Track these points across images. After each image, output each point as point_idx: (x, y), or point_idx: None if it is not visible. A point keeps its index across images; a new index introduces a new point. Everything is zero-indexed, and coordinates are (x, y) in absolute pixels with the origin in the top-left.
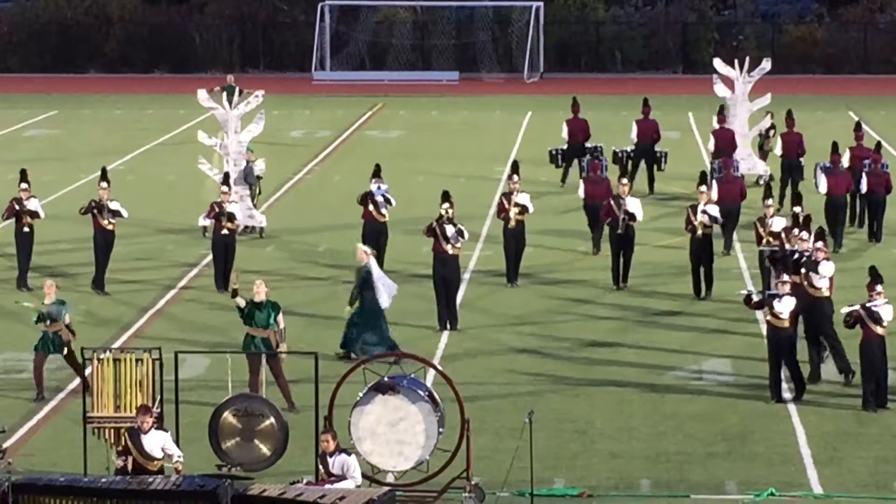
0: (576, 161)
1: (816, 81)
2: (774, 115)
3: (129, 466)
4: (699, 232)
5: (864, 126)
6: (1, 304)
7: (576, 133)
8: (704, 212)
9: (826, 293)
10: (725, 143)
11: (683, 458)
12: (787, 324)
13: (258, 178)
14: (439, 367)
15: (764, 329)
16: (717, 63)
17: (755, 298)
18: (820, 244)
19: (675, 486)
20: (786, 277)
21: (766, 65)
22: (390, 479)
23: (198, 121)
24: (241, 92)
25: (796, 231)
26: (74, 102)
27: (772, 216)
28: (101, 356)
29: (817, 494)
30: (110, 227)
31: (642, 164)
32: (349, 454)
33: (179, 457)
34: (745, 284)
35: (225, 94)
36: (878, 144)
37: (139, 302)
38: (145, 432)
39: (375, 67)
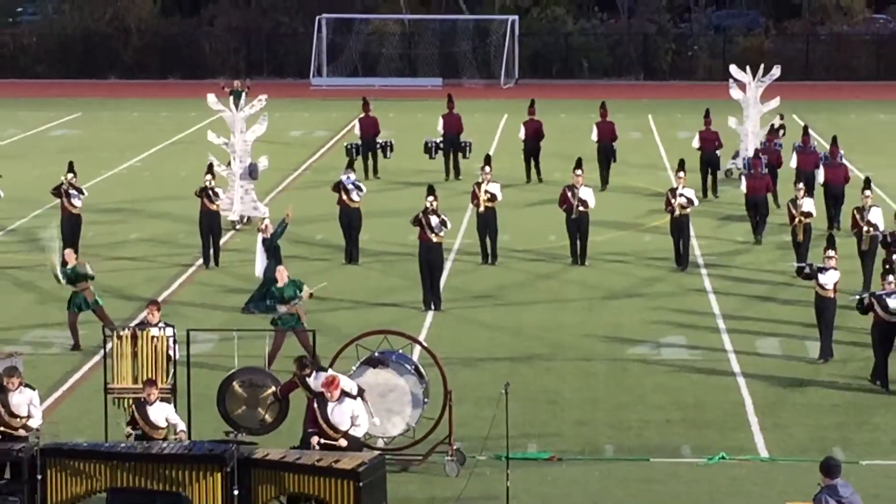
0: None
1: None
2: (785, 117)
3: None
4: (678, 212)
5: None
6: (30, 285)
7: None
8: (682, 194)
9: None
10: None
11: (643, 425)
12: (831, 294)
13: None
14: (425, 344)
15: (715, 305)
16: (733, 69)
17: (806, 271)
18: None
19: (636, 450)
20: (832, 252)
21: (776, 71)
22: (380, 444)
23: (207, 122)
24: (246, 95)
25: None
26: (96, 105)
27: (802, 198)
28: (121, 333)
29: (763, 458)
30: (76, 210)
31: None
32: (354, 399)
33: (183, 430)
34: (699, 264)
35: (232, 97)
36: (834, 139)
37: (153, 284)
38: (151, 404)
39: (367, 74)
